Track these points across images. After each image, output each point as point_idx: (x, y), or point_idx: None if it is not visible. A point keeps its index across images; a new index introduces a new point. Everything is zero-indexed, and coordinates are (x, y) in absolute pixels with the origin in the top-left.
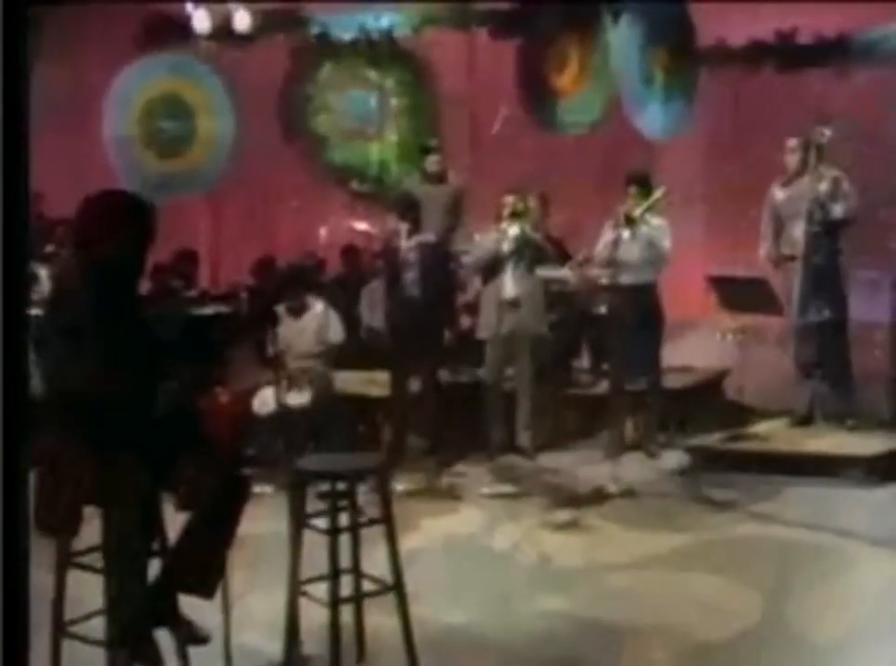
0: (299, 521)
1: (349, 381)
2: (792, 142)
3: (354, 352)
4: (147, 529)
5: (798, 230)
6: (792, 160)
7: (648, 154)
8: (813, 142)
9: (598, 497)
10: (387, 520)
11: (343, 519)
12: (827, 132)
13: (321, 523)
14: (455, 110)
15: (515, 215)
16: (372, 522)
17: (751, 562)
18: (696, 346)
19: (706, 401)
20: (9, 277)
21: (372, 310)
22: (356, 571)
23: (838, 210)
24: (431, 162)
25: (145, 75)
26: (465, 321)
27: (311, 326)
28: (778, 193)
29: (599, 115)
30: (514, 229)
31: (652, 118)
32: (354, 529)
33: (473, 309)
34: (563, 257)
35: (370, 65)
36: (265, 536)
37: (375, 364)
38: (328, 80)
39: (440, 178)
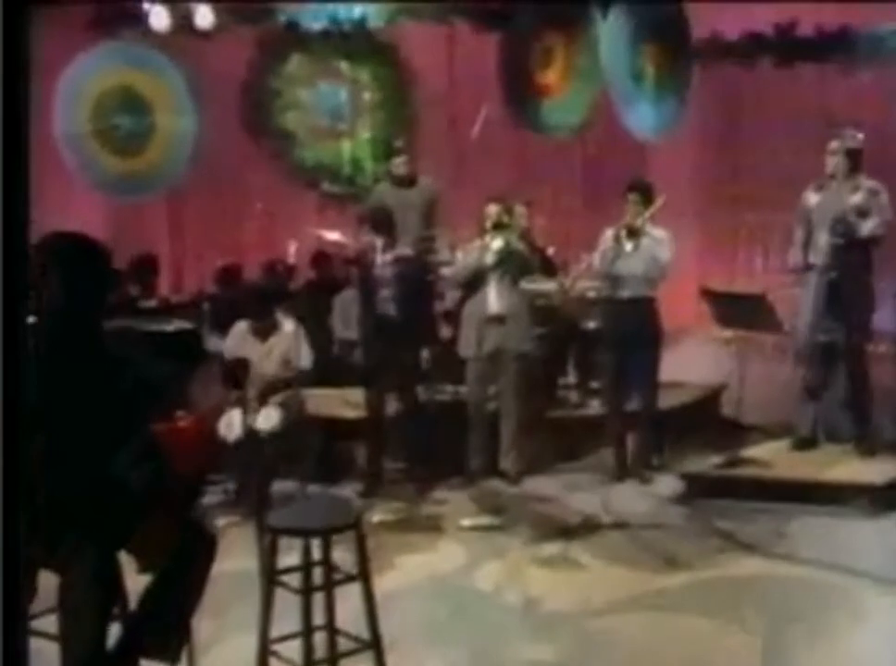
0: (269, 578)
1: (320, 401)
2: (834, 145)
3: (326, 367)
4: (106, 591)
5: (822, 239)
6: (831, 162)
7: (638, 157)
8: (842, 147)
9: (588, 528)
10: (364, 576)
11: (318, 571)
12: (860, 136)
13: (294, 578)
14: (433, 109)
15: (498, 227)
16: (349, 578)
17: (749, 605)
18: (690, 358)
19: (702, 421)
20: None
21: (345, 321)
22: (331, 627)
23: (866, 226)
24: (398, 164)
25: (98, 65)
26: (444, 331)
27: (278, 348)
28: (811, 197)
29: (586, 115)
30: (497, 242)
31: (642, 118)
32: (329, 588)
33: (452, 317)
34: (548, 268)
35: (342, 57)
36: (232, 575)
37: (348, 380)
38: (296, 74)
39: (409, 181)
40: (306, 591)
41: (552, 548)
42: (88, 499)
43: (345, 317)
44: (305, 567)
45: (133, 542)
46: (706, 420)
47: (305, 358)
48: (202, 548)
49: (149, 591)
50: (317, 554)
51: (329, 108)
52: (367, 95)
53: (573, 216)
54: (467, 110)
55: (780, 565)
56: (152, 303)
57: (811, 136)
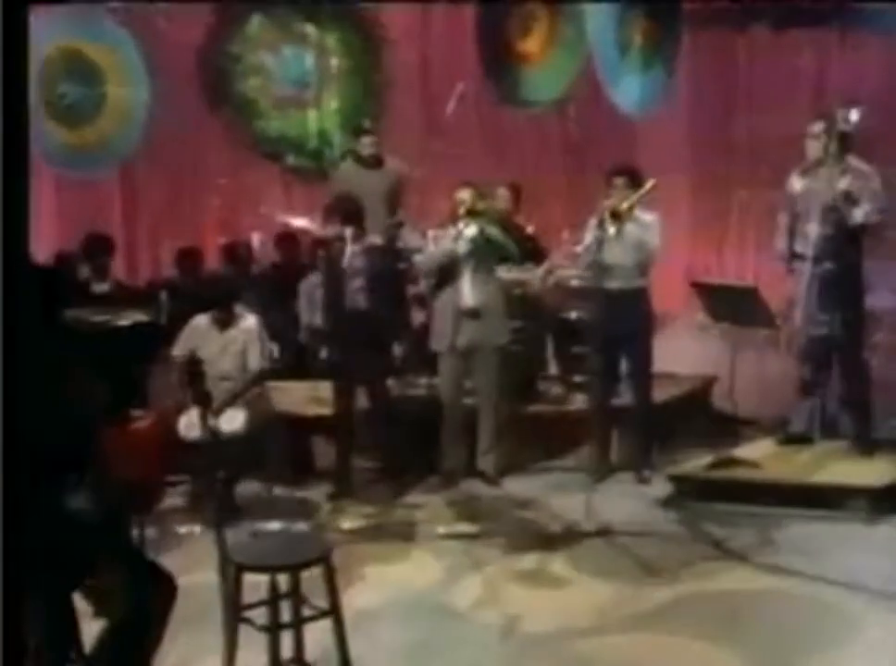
0: (234, 614)
1: (287, 396)
2: (817, 127)
3: (293, 357)
4: (60, 637)
5: (812, 230)
6: (814, 147)
7: (624, 132)
8: (835, 129)
9: (571, 537)
10: (335, 611)
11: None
12: (854, 117)
13: (260, 613)
14: (406, 80)
15: (471, 214)
16: (319, 615)
17: (740, 621)
18: (679, 344)
19: (693, 415)
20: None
21: (312, 308)
22: (300, 662)
23: (857, 214)
24: (366, 144)
25: (45, 32)
26: (417, 316)
27: (235, 344)
28: (796, 183)
29: (568, 87)
30: (470, 230)
31: (628, 91)
32: (298, 625)
33: (425, 302)
34: (538, 255)
35: (307, 19)
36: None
37: (317, 370)
38: (258, 37)
39: (376, 162)
40: (274, 628)
41: (532, 561)
42: (38, 535)
43: (311, 304)
44: (273, 601)
45: (88, 585)
46: (697, 414)
47: (255, 360)
48: (160, 592)
49: (105, 638)
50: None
51: (293, 75)
52: (334, 62)
53: (554, 198)
54: (442, 81)
55: (772, 577)
56: (105, 287)
57: (808, 110)
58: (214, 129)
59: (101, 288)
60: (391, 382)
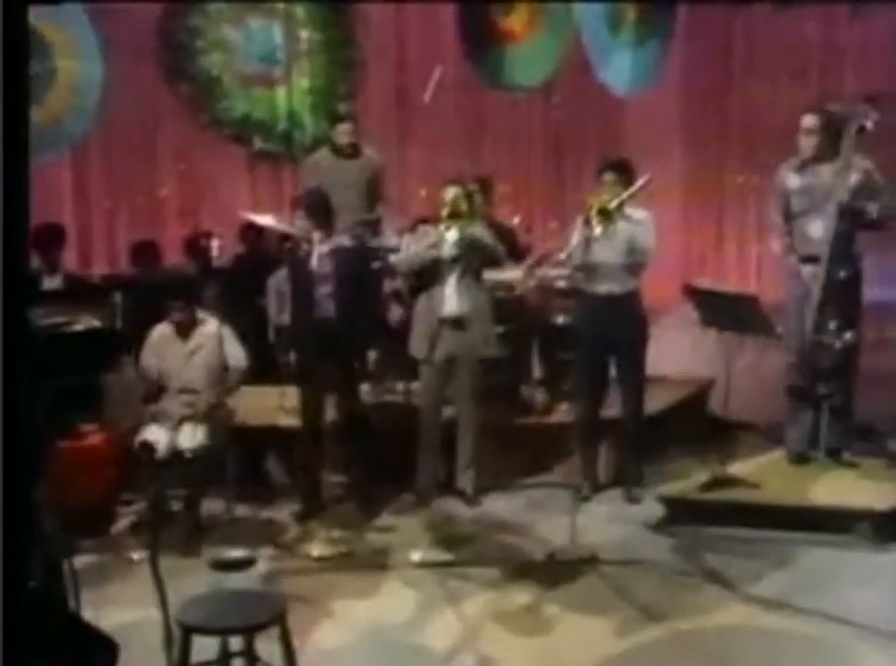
0: None
1: (253, 405)
2: (810, 121)
3: (260, 359)
4: None
5: (816, 229)
6: (808, 143)
7: (614, 115)
8: (853, 125)
9: (554, 567)
10: None
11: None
12: (874, 114)
13: None
14: (381, 56)
15: (454, 216)
16: None
17: (737, 664)
18: (673, 342)
19: (687, 423)
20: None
21: (280, 306)
22: None
23: (873, 208)
24: (342, 132)
25: None
26: (394, 313)
27: (200, 351)
28: (791, 179)
29: (554, 66)
30: (453, 234)
31: (619, 69)
32: None
33: (402, 298)
34: (515, 253)
35: None
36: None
37: (285, 375)
38: (221, 9)
39: (352, 152)
40: None
41: (513, 594)
42: None
43: (280, 301)
44: (224, 661)
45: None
46: (693, 421)
47: (237, 357)
48: (103, 662)
49: None
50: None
51: (260, 50)
52: (304, 35)
53: (539, 189)
54: (420, 60)
55: (770, 614)
56: (56, 281)
57: (812, 88)
58: (173, 109)
59: (52, 282)
60: (365, 388)
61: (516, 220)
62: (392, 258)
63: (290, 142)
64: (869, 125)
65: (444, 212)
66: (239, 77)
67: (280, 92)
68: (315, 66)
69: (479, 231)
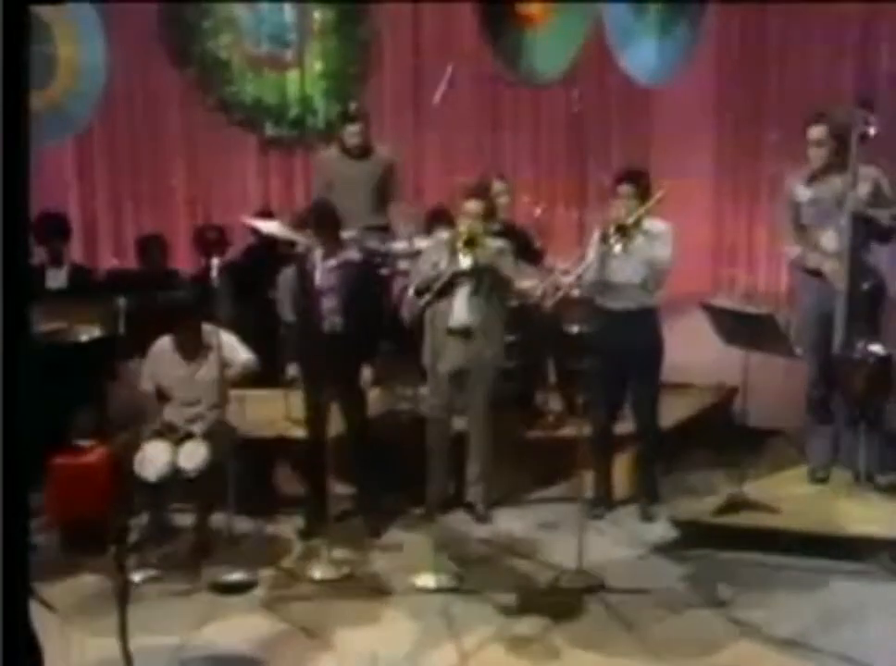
0: None
1: (256, 412)
2: (818, 132)
3: (267, 359)
4: None
5: (830, 241)
6: (818, 154)
7: (639, 107)
8: (854, 132)
9: (561, 595)
10: None
11: None
12: (874, 120)
13: None
14: (396, 35)
15: (470, 244)
16: None
17: None
18: (689, 343)
19: (708, 432)
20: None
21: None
22: None
23: (883, 217)
24: (351, 134)
25: None
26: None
27: (205, 375)
28: (801, 191)
29: (575, 54)
30: (466, 261)
31: (643, 58)
32: None
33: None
34: (533, 257)
35: None
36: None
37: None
38: None
39: (363, 152)
40: None
41: (517, 627)
42: None
43: (289, 298)
44: None
45: None
46: (713, 430)
47: (243, 355)
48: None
49: None
50: None
51: (270, 32)
52: (316, 15)
53: (558, 188)
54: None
55: (783, 655)
56: (62, 274)
57: (849, 76)
58: (180, 94)
59: (57, 274)
60: (374, 394)
61: (537, 211)
62: (402, 264)
63: (302, 128)
64: (871, 132)
65: (461, 235)
66: (248, 59)
67: (292, 76)
68: (328, 47)
69: (496, 259)
